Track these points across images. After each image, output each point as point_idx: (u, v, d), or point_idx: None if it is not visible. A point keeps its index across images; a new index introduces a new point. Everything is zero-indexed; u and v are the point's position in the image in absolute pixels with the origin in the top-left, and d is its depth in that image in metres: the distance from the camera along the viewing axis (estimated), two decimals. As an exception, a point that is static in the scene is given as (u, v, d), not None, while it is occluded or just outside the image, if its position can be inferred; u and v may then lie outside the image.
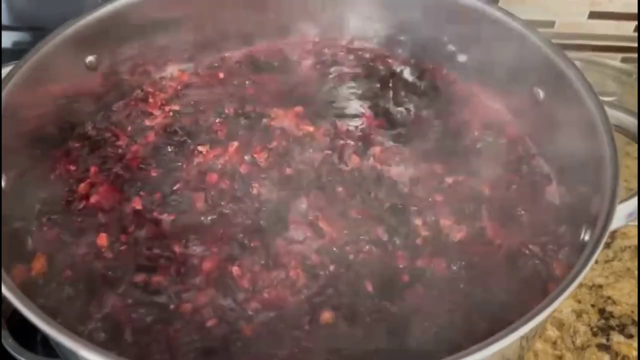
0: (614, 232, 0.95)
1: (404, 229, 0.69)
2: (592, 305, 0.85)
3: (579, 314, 0.84)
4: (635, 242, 0.91)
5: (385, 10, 0.83)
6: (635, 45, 1.08)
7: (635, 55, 1.09)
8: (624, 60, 1.11)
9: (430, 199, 0.72)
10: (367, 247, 0.68)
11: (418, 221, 0.70)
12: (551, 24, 1.07)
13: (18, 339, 0.70)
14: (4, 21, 0.94)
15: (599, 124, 0.63)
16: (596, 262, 0.91)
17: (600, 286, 0.87)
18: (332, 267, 0.66)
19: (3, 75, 0.66)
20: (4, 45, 0.97)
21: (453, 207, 0.71)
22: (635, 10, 1.03)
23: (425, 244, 0.68)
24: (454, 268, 0.66)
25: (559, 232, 0.68)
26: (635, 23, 1.06)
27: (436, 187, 0.73)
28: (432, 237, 0.69)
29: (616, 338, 0.81)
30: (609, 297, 0.86)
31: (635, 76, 1.05)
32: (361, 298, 0.64)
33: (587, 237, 0.59)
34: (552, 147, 0.73)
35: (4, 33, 0.95)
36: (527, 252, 0.67)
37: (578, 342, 0.80)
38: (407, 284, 0.65)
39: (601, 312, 0.84)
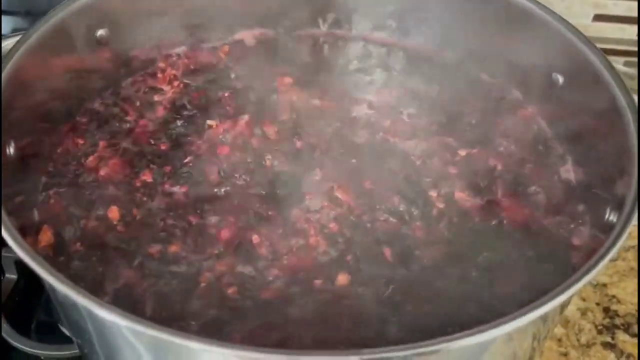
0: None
1: (419, 200, 0.69)
2: (597, 304, 0.86)
3: (583, 312, 0.85)
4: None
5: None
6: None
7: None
8: (627, 64, 1.12)
9: (443, 171, 0.72)
10: (385, 216, 0.67)
11: (433, 192, 0.70)
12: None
13: (13, 325, 0.68)
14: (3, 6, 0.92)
15: (624, 110, 0.63)
16: None
17: (605, 285, 0.88)
18: (350, 235, 0.65)
19: (11, 45, 0.64)
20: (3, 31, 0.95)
21: (467, 180, 0.71)
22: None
23: (441, 215, 0.68)
24: (469, 241, 0.65)
25: (577, 211, 0.67)
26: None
27: (449, 160, 0.73)
28: (447, 208, 0.68)
29: (621, 336, 0.81)
30: (613, 296, 0.87)
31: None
32: (379, 265, 0.63)
33: (613, 218, 0.59)
34: (570, 131, 0.73)
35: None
36: (544, 227, 0.66)
37: (583, 339, 0.81)
38: (423, 254, 0.64)
39: (606, 310, 0.85)
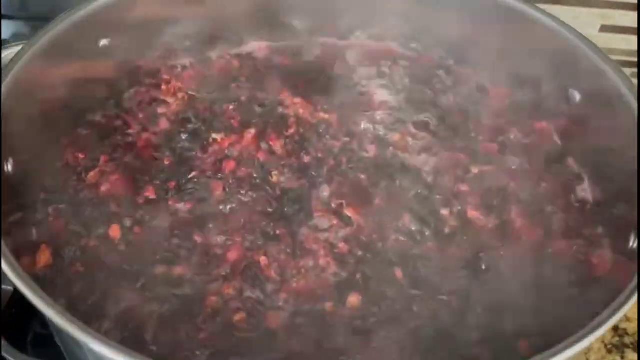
0: None
1: (432, 219, 0.67)
2: None
3: None
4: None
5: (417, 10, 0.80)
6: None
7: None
8: (633, 75, 1.10)
9: (455, 189, 0.70)
10: (395, 236, 0.65)
11: (445, 211, 0.68)
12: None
13: (9, 338, 0.65)
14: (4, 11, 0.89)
15: None
16: None
17: None
18: (360, 255, 0.63)
19: (12, 54, 0.62)
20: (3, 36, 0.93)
21: (480, 198, 0.69)
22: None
23: (454, 234, 0.66)
24: (483, 261, 0.63)
25: (594, 234, 0.65)
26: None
27: (461, 177, 0.71)
28: (461, 227, 0.66)
29: (630, 355, 0.79)
30: (619, 328, 0.85)
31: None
32: (390, 285, 0.61)
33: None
34: (587, 149, 0.71)
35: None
36: (560, 250, 0.64)
37: (592, 359, 0.79)
38: (436, 273, 0.62)
39: (615, 329, 0.83)
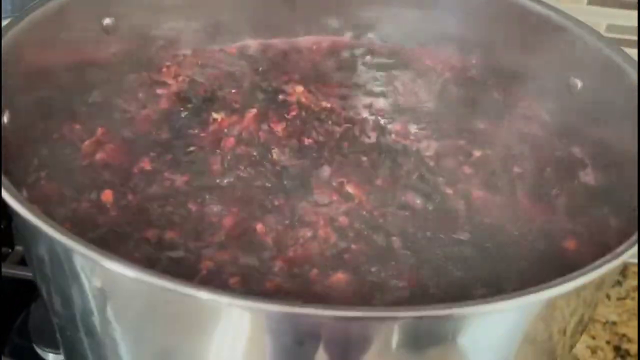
0: (625, 270, 0.93)
1: (435, 197, 0.65)
2: (607, 342, 0.84)
3: (593, 350, 0.83)
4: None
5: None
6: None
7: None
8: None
9: (459, 171, 0.69)
10: (398, 211, 0.63)
11: (449, 190, 0.66)
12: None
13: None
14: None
15: None
16: (609, 298, 0.91)
17: (615, 323, 0.86)
18: (361, 228, 0.61)
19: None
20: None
21: (484, 179, 0.68)
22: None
23: (458, 212, 0.64)
24: (486, 236, 0.61)
25: (600, 214, 0.64)
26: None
27: (464, 160, 0.70)
28: (465, 206, 0.65)
29: None
30: (623, 335, 0.85)
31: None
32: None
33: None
34: (590, 135, 0.70)
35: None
36: (567, 229, 0.63)
37: None
38: (438, 246, 0.60)
39: (617, 349, 0.82)
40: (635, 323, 0.86)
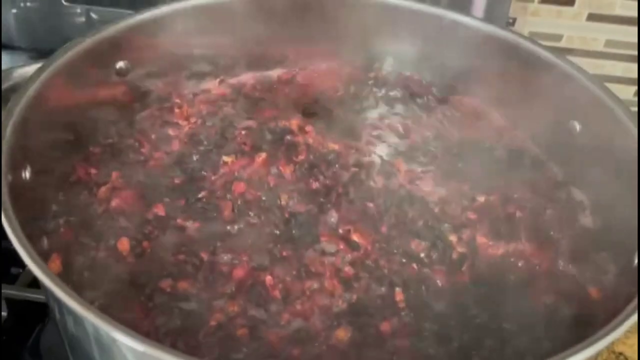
0: None
1: (440, 244, 0.67)
2: None
3: None
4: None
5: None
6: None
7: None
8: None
9: (463, 217, 0.71)
10: (403, 260, 0.66)
11: (453, 237, 0.68)
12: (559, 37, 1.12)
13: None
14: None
15: None
16: None
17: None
18: (366, 279, 0.63)
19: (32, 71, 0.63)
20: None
21: (488, 225, 0.70)
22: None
23: (463, 260, 0.66)
24: (492, 286, 0.63)
25: (598, 258, 0.66)
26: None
27: (468, 206, 0.72)
28: (470, 253, 0.67)
29: None
30: (620, 353, 0.85)
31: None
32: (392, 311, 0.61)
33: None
34: (588, 178, 0.71)
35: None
36: (567, 274, 0.65)
37: None
38: (444, 296, 0.62)
39: (613, 353, 0.82)
40: (632, 341, 0.86)
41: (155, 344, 0.43)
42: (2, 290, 0.74)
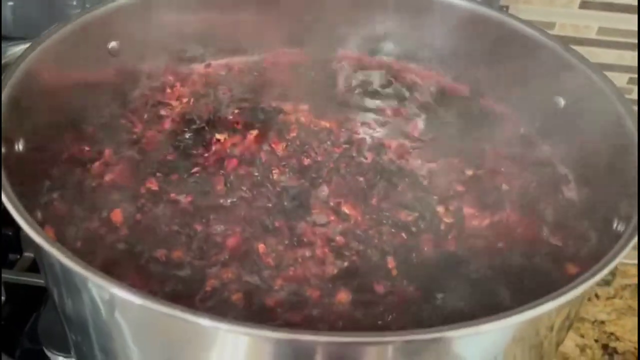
0: (613, 270, 0.96)
1: (428, 214, 0.69)
2: (596, 341, 0.86)
3: (582, 349, 0.85)
4: (635, 280, 0.94)
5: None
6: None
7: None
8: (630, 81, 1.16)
9: (451, 190, 0.72)
10: (392, 230, 0.67)
11: (440, 208, 0.70)
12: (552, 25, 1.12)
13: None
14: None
15: (629, 127, 0.63)
16: (597, 297, 0.94)
17: (603, 322, 0.89)
18: (357, 248, 0.65)
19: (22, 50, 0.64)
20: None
21: (475, 197, 0.71)
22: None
23: (450, 229, 0.68)
24: (476, 252, 0.64)
25: (581, 228, 0.66)
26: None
27: (456, 179, 0.73)
28: (457, 223, 0.68)
29: None
30: (612, 333, 0.87)
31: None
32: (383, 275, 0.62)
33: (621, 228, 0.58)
34: (573, 151, 0.72)
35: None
36: (549, 242, 0.66)
37: None
38: (430, 264, 0.64)
39: (605, 347, 0.85)
40: (624, 322, 0.89)
41: (156, 298, 0.43)
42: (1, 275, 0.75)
